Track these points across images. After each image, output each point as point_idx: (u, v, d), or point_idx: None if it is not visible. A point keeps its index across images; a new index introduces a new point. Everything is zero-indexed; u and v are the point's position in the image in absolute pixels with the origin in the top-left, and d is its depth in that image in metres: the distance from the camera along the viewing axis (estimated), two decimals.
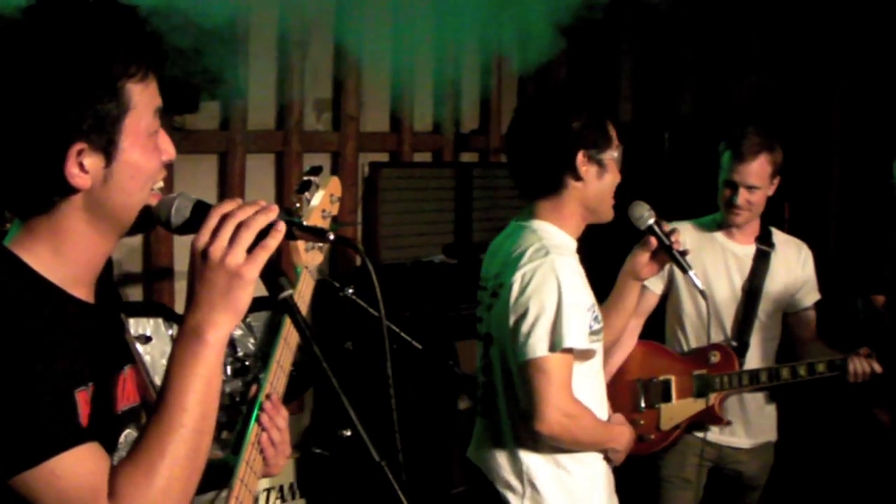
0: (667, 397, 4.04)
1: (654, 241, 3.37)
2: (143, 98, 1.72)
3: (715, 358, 4.05)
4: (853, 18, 6.21)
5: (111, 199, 1.72)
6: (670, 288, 4.18)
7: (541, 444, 3.10)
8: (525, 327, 3.02)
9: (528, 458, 3.14)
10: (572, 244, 3.20)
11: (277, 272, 1.70)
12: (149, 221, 1.80)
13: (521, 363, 3.04)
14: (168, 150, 1.79)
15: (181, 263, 5.17)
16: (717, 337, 4.11)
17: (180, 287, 5.17)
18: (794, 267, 4.23)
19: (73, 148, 1.65)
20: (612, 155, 3.17)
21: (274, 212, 1.71)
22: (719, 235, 4.18)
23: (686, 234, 3.86)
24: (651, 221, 3.33)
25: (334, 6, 5.69)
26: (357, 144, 6.01)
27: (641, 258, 3.42)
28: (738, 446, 4.20)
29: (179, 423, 1.64)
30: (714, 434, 4.11)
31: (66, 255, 1.73)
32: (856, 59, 6.30)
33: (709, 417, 4.04)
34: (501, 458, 3.18)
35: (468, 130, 6.82)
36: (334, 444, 4.45)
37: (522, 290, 3.06)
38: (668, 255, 3.36)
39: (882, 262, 4.66)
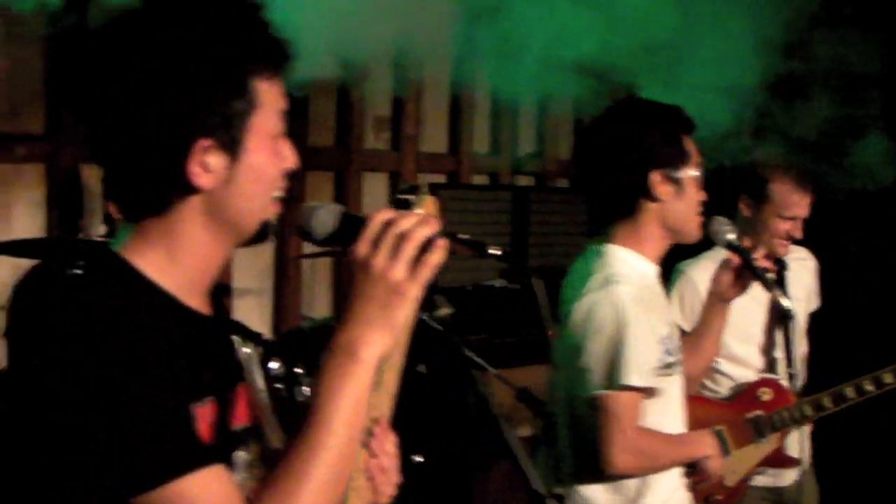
0: (724, 451, 3.75)
1: (735, 258, 3.22)
2: (269, 97, 1.62)
3: (766, 395, 3.81)
4: None
5: (232, 202, 1.62)
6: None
7: (604, 477, 2.96)
8: (584, 362, 2.90)
9: (587, 490, 3.01)
10: (648, 269, 3.05)
11: (433, 289, 1.59)
12: (264, 233, 1.70)
13: (584, 398, 2.93)
14: (290, 157, 1.69)
15: (239, 280, 5.11)
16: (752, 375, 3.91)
17: (238, 304, 5.10)
18: (805, 279, 4.13)
19: (198, 144, 1.56)
20: (689, 172, 3.00)
21: (434, 224, 1.61)
22: None
23: (702, 269, 3.75)
24: (731, 237, 3.19)
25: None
26: (416, 165, 5.94)
27: (725, 278, 3.26)
28: (793, 480, 3.92)
29: (325, 446, 1.54)
30: (771, 477, 3.89)
31: (180, 262, 1.62)
32: None
33: (777, 460, 3.80)
34: (563, 490, 3.03)
35: (524, 154, 6.73)
36: (406, 469, 4.33)
37: (581, 323, 2.92)
38: (750, 272, 3.20)
39: None
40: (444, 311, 1.63)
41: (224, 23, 1.58)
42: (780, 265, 3.95)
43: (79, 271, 1.54)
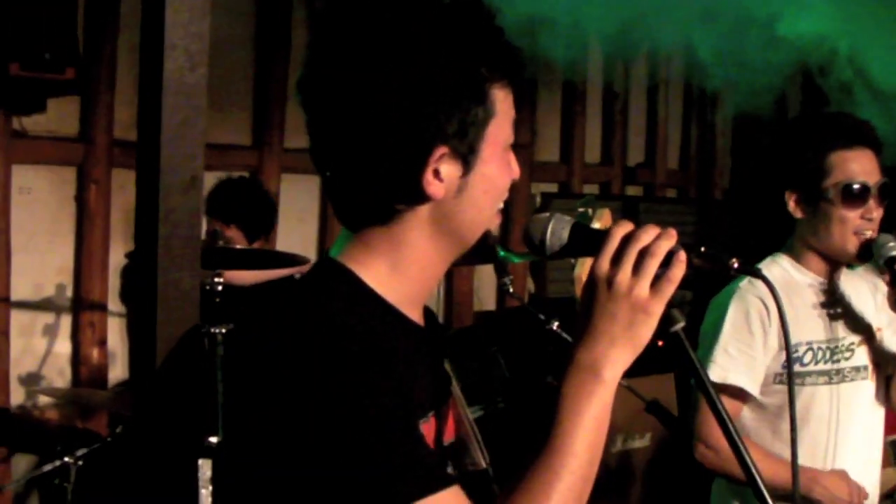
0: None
1: (887, 277, 3.07)
2: (504, 106, 1.57)
3: None
4: None
5: (461, 213, 1.57)
6: None
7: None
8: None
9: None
10: (801, 278, 2.97)
11: (669, 302, 1.54)
12: (486, 249, 1.66)
13: None
14: (516, 169, 1.64)
15: None
16: None
17: None
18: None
19: (435, 152, 1.50)
20: (829, 191, 2.87)
21: (674, 237, 1.54)
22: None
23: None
24: (892, 254, 3.07)
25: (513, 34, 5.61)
26: (529, 174, 5.90)
27: (891, 296, 3.16)
28: None
29: (567, 469, 1.48)
30: None
31: (404, 273, 1.57)
32: None
33: None
34: None
35: (634, 164, 6.68)
36: None
37: (706, 316, 2.97)
38: None
39: None
40: (680, 325, 1.57)
41: (463, 29, 1.53)
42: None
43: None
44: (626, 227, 1.56)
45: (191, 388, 2.66)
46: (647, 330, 1.52)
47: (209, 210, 4.14)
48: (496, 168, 1.58)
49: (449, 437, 1.70)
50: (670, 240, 1.54)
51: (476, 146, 1.54)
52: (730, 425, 1.56)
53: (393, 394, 1.43)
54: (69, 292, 4.52)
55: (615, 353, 1.52)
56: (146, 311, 2.36)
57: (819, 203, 2.89)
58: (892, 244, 2.97)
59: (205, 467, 2.45)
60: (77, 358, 4.52)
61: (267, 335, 1.54)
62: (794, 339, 2.90)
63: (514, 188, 5.34)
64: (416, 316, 1.63)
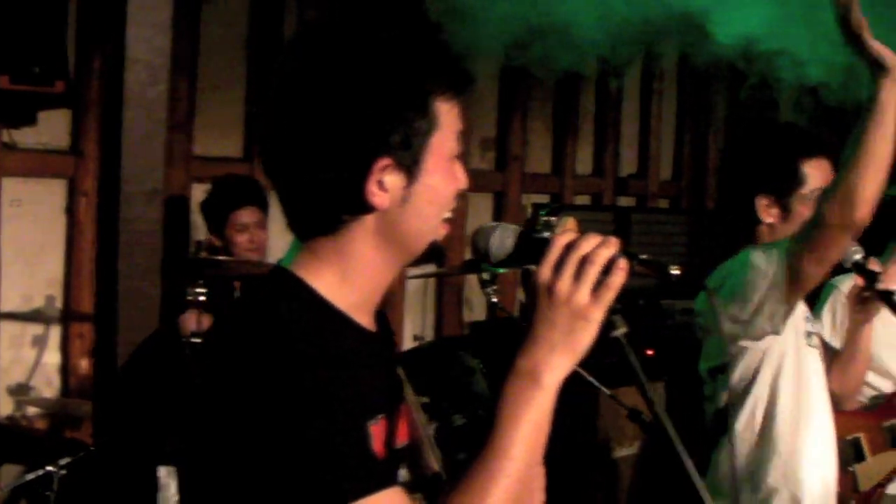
0: (860, 457, 3.82)
1: (860, 280, 3.18)
2: (449, 118, 1.61)
3: None
4: None
5: (406, 223, 1.61)
6: None
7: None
8: None
9: None
10: None
11: (611, 308, 1.57)
12: (436, 253, 1.69)
13: None
14: (463, 179, 1.68)
15: None
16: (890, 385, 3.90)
17: None
18: None
19: (378, 163, 1.55)
20: (801, 197, 2.97)
21: (615, 245, 1.57)
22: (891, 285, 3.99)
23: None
24: (858, 258, 3.14)
25: (503, 48, 5.65)
26: (520, 185, 5.94)
27: (856, 299, 3.26)
28: None
29: (504, 472, 1.51)
30: None
31: (351, 281, 1.62)
32: None
33: None
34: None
35: (626, 174, 6.71)
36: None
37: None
38: (876, 295, 3.16)
39: None
40: (622, 330, 1.59)
41: (407, 43, 1.58)
42: None
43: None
44: (568, 236, 1.59)
45: (154, 396, 2.71)
46: (586, 336, 1.55)
47: (209, 221, 4.21)
48: (440, 179, 1.62)
49: (402, 440, 1.74)
50: (611, 248, 1.57)
51: (419, 157, 1.58)
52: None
53: (339, 395, 1.47)
54: (59, 303, 4.56)
55: (555, 359, 1.55)
56: (108, 318, 2.41)
57: (793, 208, 2.97)
58: (854, 248, 3.08)
59: (166, 474, 2.50)
60: (66, 368, 4.55)
61: (220, 342, 1.58)
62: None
63: (506, 199, 5.42)
64: (366, 322, 1.67)
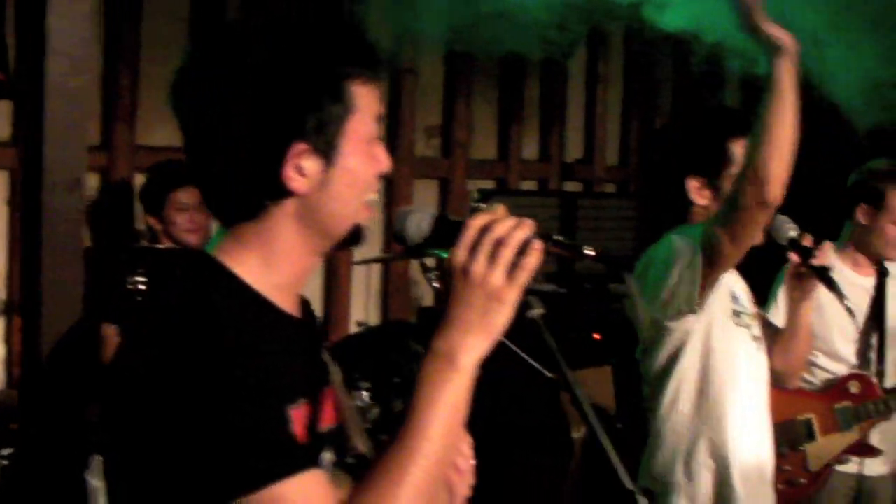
0: (811, 437, 3.91)
1: (795, 256, 3.22)
2: (365, 102, 1.64)
3: (855, 388, 3.96)
4: None
5: (326, 206, 1.63)
6: None
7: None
8: None
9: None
10: None
11: (526, 290, 1.60)
12: (357, 237, 1.72)
13: None
14: (385, 161, 1.70)
15: None
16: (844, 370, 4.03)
17: None
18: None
19: (293, 148, 1.58)
20: (732, 177, 2.98)
21: (530, 227, 1.60)
22: (845, 269, 4.07)
23: None
24: (792, 234, 3.17)
25: (447, 32, 5.66)
26: (465, 171, 5.96)
27: (789, 276, 3.30)
28: (879, 474, 4.08)
29: (422, 453, 1.54)
30: (855, 465, 3.98)
31: (274, 266, 1.65)
32: None
33: (859, 449, 3.94)
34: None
35: (573, 160, 6.75)
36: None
37: None
38: (811, 271, 3.20)
39: None
40: (537, 311, 1.62)
41: (320, 28, 1.61)
42: (882, 272, 4.11)
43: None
44: (483, 219, 1.62)
45: (79, 386, 2.71)
46: (501, 318, 1.58)
47: (147, 204, 4.20)
48: (359, 162, 1.64)
49: (328, 423, 1.76)
50: (526, 229, 1.60)
51: (336, 141, 1.61)
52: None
53: (257, 380, 1.49)
54: (3, 295, 4.53)
55: (471, 340, 1.58)
56: (31, 308, 2.41)
57: (724, 188, 3.02)
58: (788, 225, 3.13)
59: (95, 462, 2.51)
60: (10, 360, 4.53)
61: (140, 328, 1.60)
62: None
63: (451, 185, 5.43)
64: (289, 307, 1.69)
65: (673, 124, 3.28)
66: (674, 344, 3.03)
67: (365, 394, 3.78)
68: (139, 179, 4.67)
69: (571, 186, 6.72)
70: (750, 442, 3.05)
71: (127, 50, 4.72)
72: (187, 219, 4.13)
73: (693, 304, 2.93)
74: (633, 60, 6.95)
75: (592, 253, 1.66)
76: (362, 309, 5.56)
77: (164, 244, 4.11)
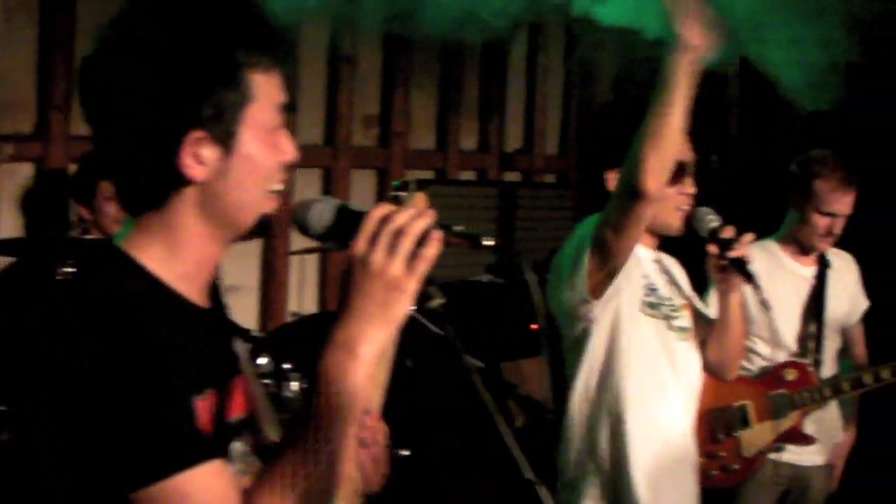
0: (745, 423, 3.94)
1: (713, 248, 3.22)
2: (265, 90, 1.63)
3: (791, 375, 4.02)
4: None
5: (227, 194, 1.63)
6: None
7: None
8: None
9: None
10: (642, 254, 3.15)
11: (427, 280, 1.61)
12: (264, 227, 1.72)
13: None
14: (289, 150, 1.70)
15: (226, 277, 5.10)
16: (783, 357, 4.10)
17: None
18: (848, 281, 4.27)
19: (189, 136, 1.57)
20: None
21: (429, 217, 1.61)
22: (785, 258, 4.13)
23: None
24: (713, 226, 3.19)
25: (383, 21, 5.65)
26: (403, 161, 5.96)
27: (712, 268, 3.30)
28: (814, 464, 4.16)
29: (319, 440, 1.55)
30: (791, 454, 4.06)
31: (179, 255, 1.65)
32: None
33: (793, 437, 4.00)
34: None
35: (512, 150, 6.76)
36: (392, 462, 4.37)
37: None
38: (729, 263, 3.20)
39: None
40: (437, 301, 1.63)
41: (217, 15, 1.60)
42: (823, 263, 4.17)
43: (73, 269, 1.56)
44: (383, 209, 1.62)
45: None
46: (401, 308, 1.59)
47: (77, 194, 4.15)
48: (259, 150, 1.64)
49: (237, 413, 1.76)
50: (425, 220, 1.60)
51: (233, 129, 1.61)
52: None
53: (159, 370, 1.49)
54: None
55: (370, 330, 1.58)
56: None
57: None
58: (710, 216, 3.16)
59: None
60: None
61: (42, 320, 1.58)
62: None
63: (388, 175, 5.40)
64: (197, 296, 1.69)
65: (595, 118, 3.31)
66: (581, 333, 3.06)
67: (294, 385, 3.76)
68: (74, 169, 4.62)
69: (511, 176, 6.73)
70: (658, 431, 3.07)
71: (61, 39, 4.66)
72: (116, 209, 4.08)
73: (585, 294, 2.95)
74: (573, 50, 6.96)
75: (492, 243, 1.67)
76: (299, 299, 5.54)
77: (94, 235, 4.08)
